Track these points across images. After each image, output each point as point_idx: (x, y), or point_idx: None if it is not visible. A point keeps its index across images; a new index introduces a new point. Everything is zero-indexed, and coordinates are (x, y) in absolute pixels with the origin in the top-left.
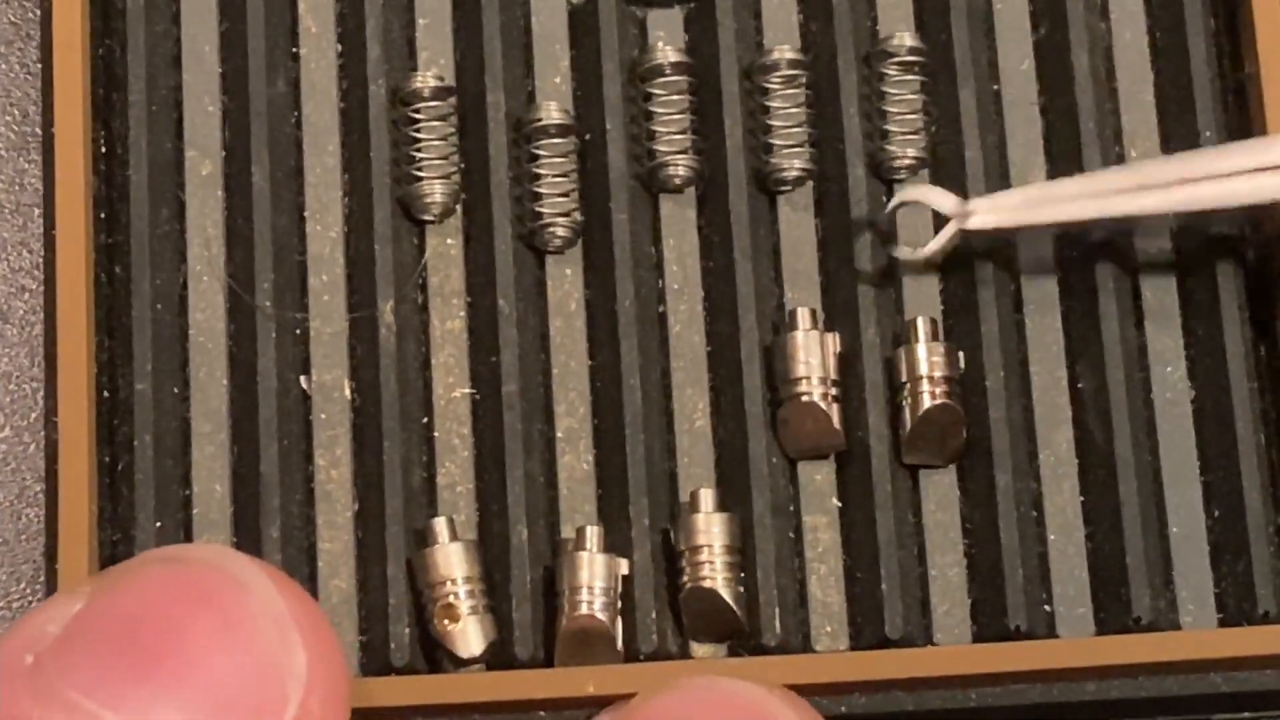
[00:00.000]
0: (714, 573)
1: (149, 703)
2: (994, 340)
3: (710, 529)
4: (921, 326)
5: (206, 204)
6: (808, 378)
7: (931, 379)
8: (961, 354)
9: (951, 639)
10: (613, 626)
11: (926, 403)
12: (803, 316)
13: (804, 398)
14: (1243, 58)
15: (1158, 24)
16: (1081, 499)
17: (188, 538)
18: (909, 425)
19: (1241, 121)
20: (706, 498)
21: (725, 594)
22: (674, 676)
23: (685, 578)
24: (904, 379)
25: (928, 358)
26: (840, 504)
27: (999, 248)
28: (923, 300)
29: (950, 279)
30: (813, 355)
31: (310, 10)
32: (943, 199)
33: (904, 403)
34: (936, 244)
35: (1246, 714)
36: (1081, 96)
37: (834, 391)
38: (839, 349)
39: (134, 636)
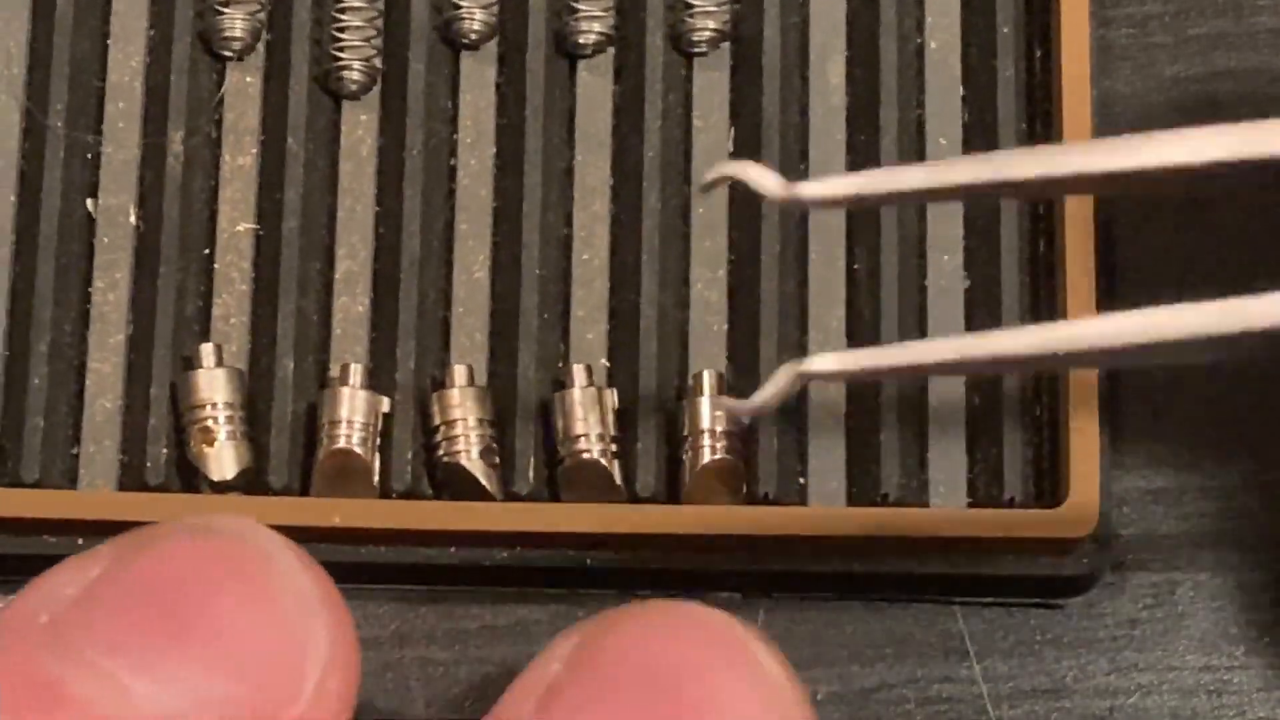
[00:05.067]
0: (468, 445)
1: (175, 670)
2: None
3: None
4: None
5: (12, 24)
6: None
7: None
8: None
9: None
10: (370, 461)
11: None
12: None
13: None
14: None
15: None
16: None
17: None
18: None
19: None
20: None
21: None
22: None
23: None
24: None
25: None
26: (608, 363)
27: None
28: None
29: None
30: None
31: None
32: (766, 179)
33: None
34: (772, 388)
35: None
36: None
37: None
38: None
39: (160, 602)
